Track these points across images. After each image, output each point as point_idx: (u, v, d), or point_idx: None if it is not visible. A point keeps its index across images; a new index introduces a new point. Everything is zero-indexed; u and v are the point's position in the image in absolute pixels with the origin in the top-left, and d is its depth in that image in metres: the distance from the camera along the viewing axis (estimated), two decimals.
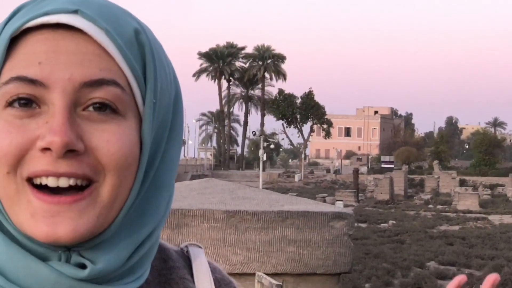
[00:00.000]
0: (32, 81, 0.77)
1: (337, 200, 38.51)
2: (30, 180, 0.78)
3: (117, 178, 0.80)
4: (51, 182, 0.77)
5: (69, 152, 0.77)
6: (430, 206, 45.27)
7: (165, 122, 0.86)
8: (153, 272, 0.93)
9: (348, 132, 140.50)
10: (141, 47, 0.82)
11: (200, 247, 1.01)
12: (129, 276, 0.85)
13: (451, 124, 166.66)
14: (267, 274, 5.14)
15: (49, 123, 0.77)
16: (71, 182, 0.78)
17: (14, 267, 0.80)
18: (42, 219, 0.77)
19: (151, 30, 0.87)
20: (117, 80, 0.80)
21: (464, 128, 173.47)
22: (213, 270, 1.01)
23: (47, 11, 0.79)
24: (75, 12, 0.79)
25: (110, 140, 0.79)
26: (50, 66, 0.78)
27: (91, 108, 0.79)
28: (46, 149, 0.77)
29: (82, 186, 0.79)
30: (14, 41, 0.80)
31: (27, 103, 0.78)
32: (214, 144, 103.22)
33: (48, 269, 0.79)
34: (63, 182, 0.78)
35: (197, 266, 0.98)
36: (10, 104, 0.78)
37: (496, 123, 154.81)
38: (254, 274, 5.16)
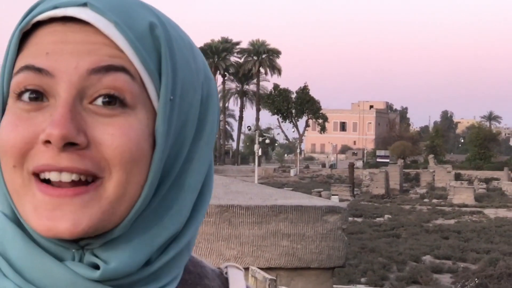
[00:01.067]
0: (39, 70, 0.77)
1: (332, 195, 38.56)
2: (36, 174, 0.77)
3: (124, 173, 0.77)
4: (53, 176, 0.76)
5: (71, 145, 0.75)
6: (426, 200, 45.37)
7: (191, 121, 0.83)
8: (186, 286, 0.89)
9: (343, 126, 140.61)
10: (156, 41, 0.80)
11: (240, 269, 0.98)
12: (153, 283, 0.82)
13: (446, 118, 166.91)
14: (261, 269, 5.12)
15: (52, 115, 0.76)
16: (74, 177, 0.76)
17: (31, 267, 0.79)
18: (43, 212, 0.76)
19: (176, 25, 0.84)
20: (127, 67, 0.78)
21: (459, 122, 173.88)
22: None
23: (56, 5, 0.79)
24: (84, 5, 0.78)
25: (114, 133, 0.76)
26: (57, 56, 0.77)
27: (99, 102, 0.77)
28: (47, 142, 0.75)
29: (88, 182, 0.77)
30: (28, 35, 0.80)
31: (37, 97, 0.77)
32: None
33: (63, 269, 0.78)
34: (66, 177, 0.76)
35: None
36: (19, 96, 0.78)
37: (491, 117, 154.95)
38: (247, 269, 5.13)
